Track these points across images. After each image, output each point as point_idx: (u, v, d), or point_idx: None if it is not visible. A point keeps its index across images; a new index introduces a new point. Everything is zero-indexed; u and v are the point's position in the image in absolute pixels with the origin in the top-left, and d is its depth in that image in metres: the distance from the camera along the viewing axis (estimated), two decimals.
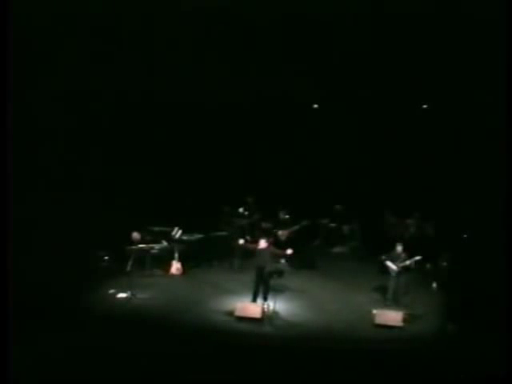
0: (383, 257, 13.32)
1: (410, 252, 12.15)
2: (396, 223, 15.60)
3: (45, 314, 10.62)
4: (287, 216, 15.52)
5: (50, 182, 13.79)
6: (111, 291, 12.52)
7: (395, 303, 11.80)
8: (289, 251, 12.34)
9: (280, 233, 15.35)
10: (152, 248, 13.72)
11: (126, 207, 14.68)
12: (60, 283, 11.97)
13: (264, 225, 15.47)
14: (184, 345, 10.14)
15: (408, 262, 11.74)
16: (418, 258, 11.94)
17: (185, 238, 14.42)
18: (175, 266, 13.91)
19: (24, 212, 11.69)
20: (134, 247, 13.28)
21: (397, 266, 11.91)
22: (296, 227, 15.38)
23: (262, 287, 11.90)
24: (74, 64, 13.38)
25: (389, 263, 12.05)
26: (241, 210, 15.63)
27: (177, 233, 14.19)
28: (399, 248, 12.09)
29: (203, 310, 11.85)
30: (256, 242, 12.41)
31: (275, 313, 11.62)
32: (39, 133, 13.61)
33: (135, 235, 13.66)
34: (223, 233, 15.04)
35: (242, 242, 12.98)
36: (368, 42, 13.32)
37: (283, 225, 15.37)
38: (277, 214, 15.59)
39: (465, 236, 14.12)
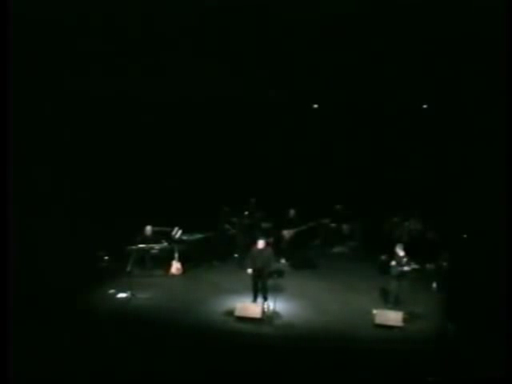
0: (383, 257, 13.34)
1: (410, 253, 12.07)
2: (397, 223, 15.60)
3: (45, 314, 10.63)
4: (294, 215, 15.53)
5: (50, 181, 13.80)
6: (111, 291, 12.52)
7: (396, 304, 11.74)
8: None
9: (285, 232, 15.35)
10: (152, 248, 13.73)
11: (126, 207, 14.69)
12: (60, 283, 11.99)
13: (264, 225, 15.48)
14: (184, 345, 10.14)
15: (406, 269, 11.65)
16: (416, 266, 11.82)
17: (185, 238, 14.43)
18: (175, 266, 13.91)
19: (24, 212, 11.71)
20: (134, 247, 13.31)
21: (397, 269, 11.78)
22: (303, 227, 15.40)
23: (262, 287, 11.90)
24: (73, 64, 13.40)
25: (392, 265, 11.86)
26: (246, 213, 15.62)
27: (177, 233, 14.20)
28: (401, 251, 11.87)
29: (203, 309, 11.85)
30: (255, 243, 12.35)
31: (275, 313, 11.62)
32: (41, 132, 13.65)
33: (148, 229, 13.68)
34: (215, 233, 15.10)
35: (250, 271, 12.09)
36: (367, 41, 13.33)
37: (291, 224, 15.38)
38: (287, 212, 15.56)
39: (465, 236, 14.10)
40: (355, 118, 16.39)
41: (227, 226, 15.39)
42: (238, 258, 14.65)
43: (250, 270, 11.92)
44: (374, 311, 11.31)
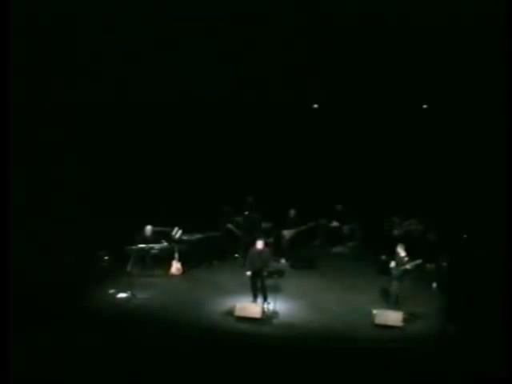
0: (383, 257, 13.33)
1: (410, 253, 12.05)
2: (397, 223, 15.60)
3: (45, 314, 10.63)
4: (294, 215, 15.50)
5: (49, 181, 13.80)
6: (111, 291, 12.52)
7: (396, 305, 11.72)
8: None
9: (285, 232, 15.34)
10: (152, 248, 13.73)
11: (126, 207, 14.69)
12: (60, 283, 11.99)
13: (264, 225, 15.47)
14: (184, 345, 10.14)
15: (408, 266, 11.64)
16: (418, 261, 11.81)
17: (185, 237, 14.42)
18: (175, 266, 13.91)
19: (23, 212, 11.71)
20: (133, 247, 13.30)
21: (398, 269, 11.77)
22: (303, 227, 15.38)
23: (261, 287, 11.90)
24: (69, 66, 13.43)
25: (392, 266, 11.85)
26: (246, 212, 15.58)
27: (177, 233, 14.20)
28: (402, 251, 11.85)
29: (203, 309, 11.85)
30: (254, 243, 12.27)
31: (275, 313, 11.62)
32: (41, 132, 13.66)
33: (148, 229, 13.69)
34: (221, 233, 15.10)
35: (248, 273, 12.06)
36: (367, 41, 13.35)
37: (291, 224, 15.36)
38: (287, 212, 15.53)
39: (465, 236, 14.11)
40: (355, 118, 16.38)
41: (231, 226, 15.33)
42: (240, 258, 14.62)
43: (248, 273, 11.92)
44: (374, 311, 11.30)
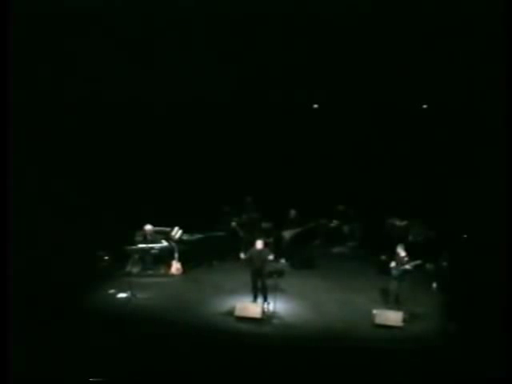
0: (383, 257, 13.32)
1: (410, 253, 12.04)
2: (397, 224, 15.59)
3: (45, 314, 10.63)
4: (294, 216, 15.49)
5: (50, 181, 13.80)
6: (111, 291, 12.52)
7: (396, 305, 11.71)
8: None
9: (285, 232, 15.32)
10: (152, 248, 13.73)
11: (125, 207, 14.68)
12: (60, 283, 11.99)
13: (264, 225, 15.46)
14: (184, 345, 10.14)
15: (408, 266, 11.63)
16: (418, 262, 11.80)
17: (185, 237, 14.42)
18: (175, 266, 13.90)
19: (24, 211, 11.70)
20: (133, 247, 13.31)
21: (398, 269, 11.76)
22: (303, 227, 15.36)
23: (261, 287, 11.91)
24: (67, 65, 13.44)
25: (392, 266, 11.83)
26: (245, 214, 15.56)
27: (177, 233, 14.19)
28: (402, 251, 11.83)
29: (203, 309, 11.85)
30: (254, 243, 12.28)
31: (275, 313, 11.62)
32: (41, 133, 13.66)
33: (148, 229, 13.67)
34: (221, 233, 15.10)
35: (242, 255, 12.48)
36: (367, 41, 13.35)
37: (292, 224, 15.36)
38: (287, 213, 15.51)
39: (465, 236, 14.10)
40: (355, 118, 16.37)
41: (235, 225, 15.30)
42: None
43: (242, 255, 12.09)
44: (374, 311, 11.31)
